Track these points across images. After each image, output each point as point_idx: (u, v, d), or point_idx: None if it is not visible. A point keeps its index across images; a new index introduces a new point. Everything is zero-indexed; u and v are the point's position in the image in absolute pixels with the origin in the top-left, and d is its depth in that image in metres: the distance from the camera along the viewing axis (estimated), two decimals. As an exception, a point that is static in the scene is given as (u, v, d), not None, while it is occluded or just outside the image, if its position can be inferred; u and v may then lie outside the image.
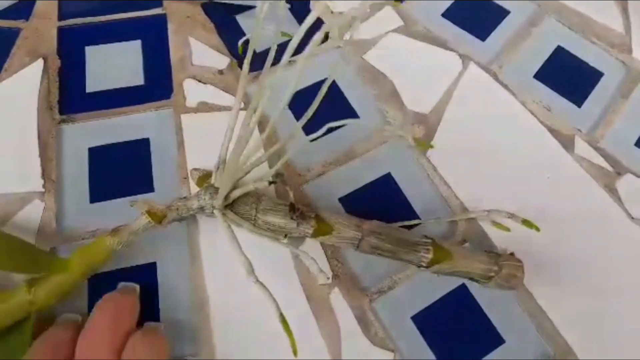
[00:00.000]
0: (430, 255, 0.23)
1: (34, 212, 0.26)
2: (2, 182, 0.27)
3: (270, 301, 0.20)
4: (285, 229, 0.23)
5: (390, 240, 0.23)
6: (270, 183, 0.23)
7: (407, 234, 0.24)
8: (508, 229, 0.27)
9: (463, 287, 0.26)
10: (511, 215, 0.26)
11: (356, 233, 0.23)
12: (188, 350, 0.24)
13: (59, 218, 0.26)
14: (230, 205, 0.23)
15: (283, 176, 0.28)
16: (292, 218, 0.23)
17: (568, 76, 0.32)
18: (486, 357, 0.24)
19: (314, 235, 0.23)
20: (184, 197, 0.24)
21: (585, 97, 0.31)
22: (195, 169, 0.27)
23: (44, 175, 0.27)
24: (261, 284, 0.20)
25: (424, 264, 0.23)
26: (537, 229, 0.26)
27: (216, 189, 0.23)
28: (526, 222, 0.26)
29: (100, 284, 0.24)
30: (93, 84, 0.30)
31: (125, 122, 0.29)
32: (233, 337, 0.24)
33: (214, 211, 0.23)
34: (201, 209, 0.24)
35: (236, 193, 0.23)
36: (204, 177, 0.26)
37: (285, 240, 0.24)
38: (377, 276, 0.26)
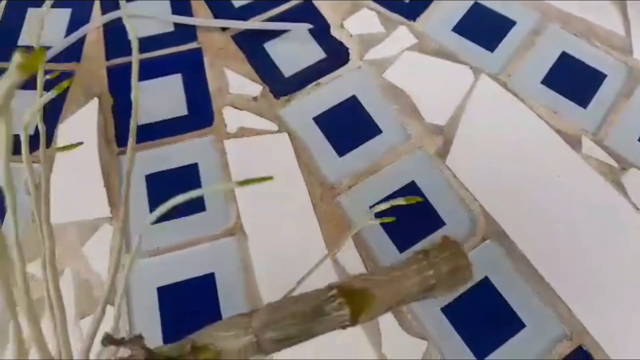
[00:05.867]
0: (346, 311, 0.18)
1: (105, 235, 0.30)
2: (75, 211, 0.31)
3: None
4: None
5: (293, 320, 0.19)
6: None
7: (305, 299, 0.19)
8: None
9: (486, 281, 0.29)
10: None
11: (247, 337, 0.18)
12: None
13: (127, 239, 0.30)
14: None
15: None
16: None
17: (573, 80, 0.35)
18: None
19: None
20: None
21: (590, 99, 0.34)
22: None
23: (110, 202, 0.31)
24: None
25: (348, 323, 0.19)
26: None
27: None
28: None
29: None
30: (143, 117, 0.34)
31: (174, 150, 0.33)
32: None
33: None
34: None
35: None
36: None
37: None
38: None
